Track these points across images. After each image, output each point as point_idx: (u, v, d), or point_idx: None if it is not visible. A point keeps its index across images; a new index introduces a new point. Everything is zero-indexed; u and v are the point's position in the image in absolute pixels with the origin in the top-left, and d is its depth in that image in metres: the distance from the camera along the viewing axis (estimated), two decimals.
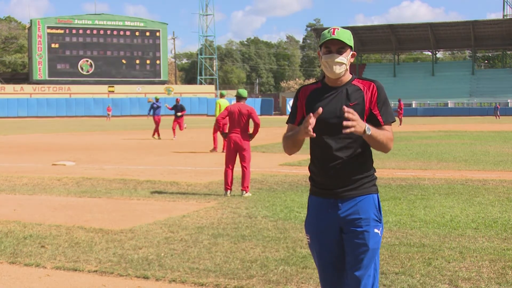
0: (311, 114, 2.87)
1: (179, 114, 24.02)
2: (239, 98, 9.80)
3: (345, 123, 2.82)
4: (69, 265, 5.39)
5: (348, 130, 2.82)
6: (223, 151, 17.51)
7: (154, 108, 25.36)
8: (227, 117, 9.71)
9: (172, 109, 24.37)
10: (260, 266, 5.24)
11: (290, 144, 3.10)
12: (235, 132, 9.51)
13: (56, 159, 15.57)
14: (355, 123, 2.82)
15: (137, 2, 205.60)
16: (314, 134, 2.88)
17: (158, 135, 24.73)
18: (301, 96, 3.17)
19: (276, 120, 51.04)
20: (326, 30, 3.05)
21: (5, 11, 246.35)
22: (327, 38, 2.99)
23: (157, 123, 24.88)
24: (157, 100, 25.83)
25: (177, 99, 24.90)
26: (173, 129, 24.47)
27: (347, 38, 3.01)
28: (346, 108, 2.84)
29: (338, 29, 3.01)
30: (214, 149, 18.04)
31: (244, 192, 9.35)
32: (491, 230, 6.54)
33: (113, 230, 6.81)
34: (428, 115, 67.43)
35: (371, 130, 2.90)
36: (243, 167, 9.49)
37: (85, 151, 18.40)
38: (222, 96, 18.26)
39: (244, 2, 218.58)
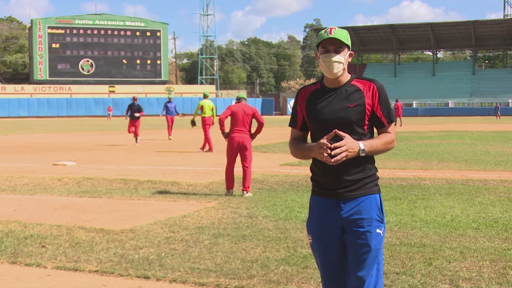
0: (326, 142, 2.89)
1: (136, 115, 21.19)
2: (240, 99, 9.84)
3: (334, 159, 2.87)
4: (69, 265, 5.39)
5: (340, 162, 2.88)
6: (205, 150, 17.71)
7: (168, 108, 23.72)
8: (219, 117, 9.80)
9: (128, 110, 21.57)
10: (260, 266, 5.24)
11: (300, 156, 3.15)
12: (238, 132, 9.50)
13: (56, 159, 15.58)
14: (345, 153, 2.87)
15: (136, 2, 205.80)
16: (332, 161, 2.89)
17: (169, 134, 23.80)
18: (300, 99, 3.17)
19: (277, 120, 51.05)
20: (323, 30, 3.04)
21: (5, 11, 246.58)
22: (324, 37, 2.99)
23: (168, 123, 23.68)
24: (169, 100, 24.31)
25: (134, 97, 22.13)
26: (131, 133, 21.73)
27: (344, 37, 3.00)
28: (328, 144, 2.88)
29: (335, 28, 3.00)
30: (210, 149, 18.06)
31: (245, 192, 9.35)
32: (491, 230, 6.53)
33: (113, 230, 6.81)
34: (429, 115, 67.43)
35: (366, 149, 2.94)
36: (244, 167, 9.49)
37: (86, 151, 18.40)
38: (205, 97, 18.33)
39: (244, 2, 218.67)
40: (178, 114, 24.18)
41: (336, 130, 2.91)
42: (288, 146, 3.24)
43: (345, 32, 3.04)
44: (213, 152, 17.64)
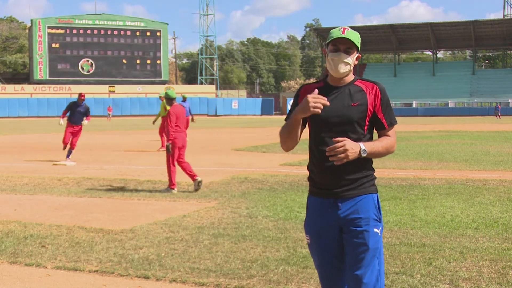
0: (316, 90, 2.88)
1: (85, 122, 15.24)
2: (174, 99, 10.26)
3: (333, 158, 2.85)
4: (69, 265, 5.39)
5: (339, 163, 2.86)
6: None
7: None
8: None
9: (66, 111, 15.23)
10: (260, 266, 5.24)
11: (286, 133, 3.03)
12: (182, 132, 10.10)
13: (56, 159, 15.57)
14: (343, 154, 2.85)
15: (136, 2, 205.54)
16: (319, 111, 2.85)
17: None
18: (302, 95, 3.15)
19: (276, 120, 51.08)
20: (337, 28, 3.04)
21: (4, 11, 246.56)
22: (337, 36, 2.99)
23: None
24: (184, 99, 23.09)
25: (81, 94, 15.41)
26: (66, 144, 15.10)
27: (356, 39, 3.01)
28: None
29: (348, 29, 3.01)
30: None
31: (198, 178, 9.82)
32: (491, 230, 6.54)
33: (113, 230, 6.81)
34: (429, 115, 67.45)
35: (366, 150, 2.92)
36: (182, 161, 10.08)
37: (86, 151, 18.40)
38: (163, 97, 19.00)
39: (242, 2, 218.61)
40: (191, 115, 23.57)
41: (333, 139, 2.89)
42: (278, 134, 3.15)
43: (357, 34, 3.05)
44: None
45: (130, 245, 6.06)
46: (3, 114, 64.78)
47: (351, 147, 2.87)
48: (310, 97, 2.86)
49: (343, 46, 3.00)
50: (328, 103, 2.88)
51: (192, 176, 9.90)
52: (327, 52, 3.06)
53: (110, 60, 78.52)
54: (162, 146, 18.59)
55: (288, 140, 3.05)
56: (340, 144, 2.85)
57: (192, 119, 23.27)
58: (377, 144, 3.00)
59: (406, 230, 6.58)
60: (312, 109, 2.85)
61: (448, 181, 10.60)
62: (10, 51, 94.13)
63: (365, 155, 2.92)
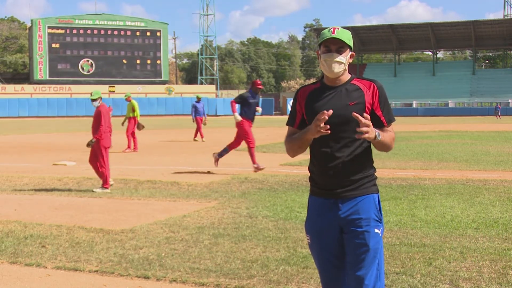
0: (324, 112, 2.86)
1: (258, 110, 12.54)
2: (99, 99, 10.54)
3: (359, 129, 2.83)
4: (69, 265, 5.39)
5: (362, 136, 2.84)
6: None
7: (197, 108, 22.80)
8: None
9: (236, 105, 12.35)
10: (260, 266, 5.24)
11: (296, 146, 3.09)
12: (109, 133, 10.39)
13: (56, 159, 15.58)
14: (369, 131, 2.85)
15: (135, 2, 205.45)
16: (329, 131, 2.87)
17: (202, 136, 22.92)
18: (299, 98, 3.17)
19: (277, 120, 51.08)
20: (326, 29, 3.05)
21: (4, 11, 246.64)
22: (327, 37, 3.00)
23: (198, 124, 22.90)
24: (198, 99, 23.35)
25: (257, 82, 12.54)
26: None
27: (347, 38, 3.01)
28: (359, 117, 2.84)
29: (338, 28, 3.01)
30: (135, 149, 18.52)
31: (108, 189, 9.96)
32: (491, 230, 6.54)
33: (113, 230, 6.81)
34: (429, 115, 67.44)
35: (381, 135, 2.93)
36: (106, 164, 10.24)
37: (86, 151, 18.37)
38: (129, 97, 19.46)
39: (242, 2, 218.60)
40: (204, 116, 23.05)
41: (355, 114, 2.87)
42: (284, 143, 3.22)
43: (348, 32, 3.05)
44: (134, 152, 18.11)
45: (130, 245, 6.07)
46: (3, 114, 64.75)
47: (372, 128, 2.87)
48: (314, 123, 2.88)
49: (335, 46, 3.01)
50: (330, 113, 2.87)
51: (107, 182, 9.97)
52: (320, 53, 3.06)
53: (110, 60, 78.49)
54: (128, 147, 18.52)
55: (298, 150, 3.12)
56: (368, 122, 2.84)
57: (205, 122, 23.20)
58: (385, 134, 3.01)
59: (406, 230, 6.58)
60: (317, 133, 2.89)
61: (448, 181, 10.60)
62: (10, 51, 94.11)
63: (379, 138, 2.91)
